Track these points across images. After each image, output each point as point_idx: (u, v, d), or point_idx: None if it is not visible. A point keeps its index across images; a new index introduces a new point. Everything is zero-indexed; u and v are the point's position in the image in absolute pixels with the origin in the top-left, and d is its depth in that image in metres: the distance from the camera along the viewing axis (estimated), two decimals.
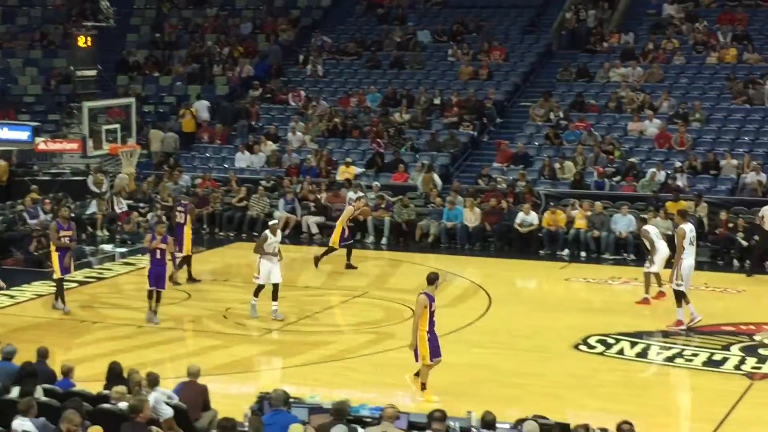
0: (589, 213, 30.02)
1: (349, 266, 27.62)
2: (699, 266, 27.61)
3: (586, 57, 39.49)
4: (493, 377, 18.62)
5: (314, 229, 32.26)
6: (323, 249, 28.05)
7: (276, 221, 23.80)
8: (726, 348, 20.23)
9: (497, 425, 13.49)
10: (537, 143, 35.37)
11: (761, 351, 20.02)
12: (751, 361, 19.42)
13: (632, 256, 29.14)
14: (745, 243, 28.25)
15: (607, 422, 13.54)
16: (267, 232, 22.45)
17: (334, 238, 27.70)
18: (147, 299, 22.23)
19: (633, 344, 20.57)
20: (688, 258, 21.60)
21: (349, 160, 35.11)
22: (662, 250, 24.24)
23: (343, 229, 27.60)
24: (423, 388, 17.18)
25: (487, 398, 16.53)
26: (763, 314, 22.88)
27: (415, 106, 37.93)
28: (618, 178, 32.44)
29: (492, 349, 20.47)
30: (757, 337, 20.96)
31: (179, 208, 26.42)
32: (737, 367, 19.15)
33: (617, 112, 35.95)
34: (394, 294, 24.82)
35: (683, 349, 20.11)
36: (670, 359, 19.69)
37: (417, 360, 17.24)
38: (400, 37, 42.37)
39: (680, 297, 21.41)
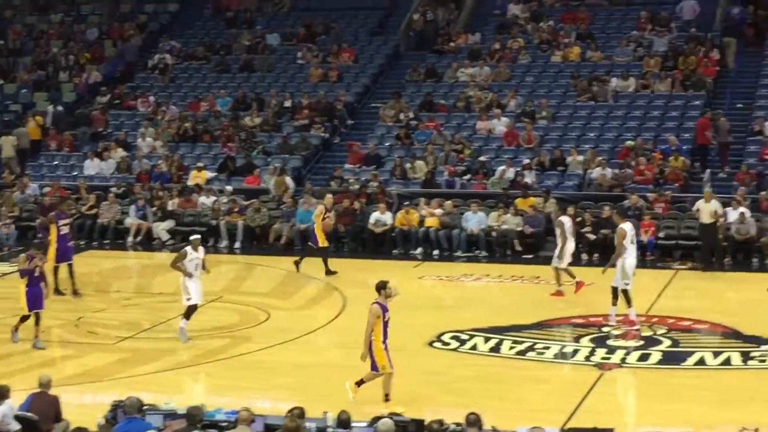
0: (438, 211, 30.31)
1: (329, 272, 27.17)
2: (549, 261, 28.24)
3: (434, 57, 39.89)
4: (348, 377, 18.62)
5: (165, 236, 31.95)
6: (316, 259, 27.41)
7: (198, 237, 21.46)
8: (576, 340, 20.62)
9: (353, 424, 13.56)
10: (388, 144, 35.63)
11: (610, 342, 20.45)
12: (600, 352, 19.82)
13: (484, 253, 29.57)
14: (593, 237, 28.83)
15: (462, 417, 13.68)
16: (187, 248, 21.04)
17: (321, 239, 27.22)
18: (21, 323, 21.22)
19: (486, 339, 20.81)
20: (631, 257, 21.53)
21: (200, 164, 34.91)
22: (571, 245, 24.51)
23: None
24: (387, 399, 16.82)
25: (343, 398, 16.56)
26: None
27: (266, 109, 37.86)
28: (468, 176, 32.87)
29: (347, 349, 20.37)
30: (605, 329, 21.40)
31: (64, 221, 25.41)
32: (587, 359, 19.54)
33: (466, 111, 36.41)
34: (249, 298, 24.73)
35: (535, 343, 20.41)
36: (523, 353, 19.98)
37: (376, 370, 16.89)
38: (248, 40, 42.23)
39: (628, 297, 21.39)
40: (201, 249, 21.04)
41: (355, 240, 30.89)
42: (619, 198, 30.52)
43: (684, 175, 31.60)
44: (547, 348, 20.14)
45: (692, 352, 19.67)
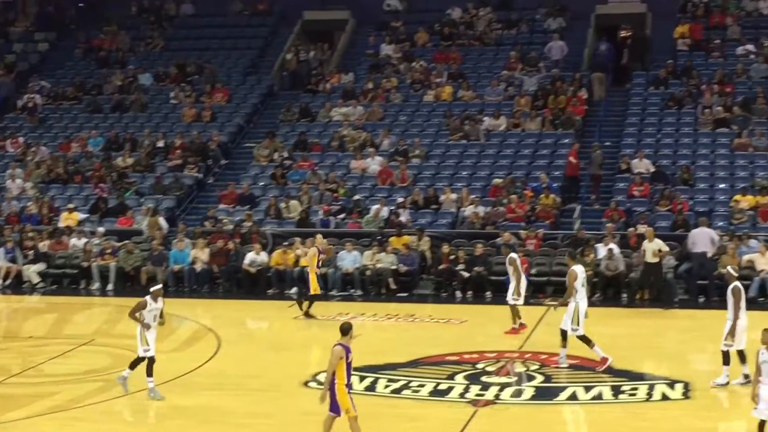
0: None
1: (308, 315, 26.75)
2: (424, 299, 28.45)
3: (308, 97, 40.05)
4: (222, 419, 18.47)
5: (35, 279, 31.40)
6: (306, 303, 26.88)
7: (159, 286, 20.51)
8: (451, 377, 20.69)
9: None
10: (262, 183, 35.59)
11: (484, 378, 20.60)
12: (474, 389, 19.94)
13: (359, 292, 29.64)
14: (466, 274, 29.10)
15: None
16: (147, 297, 19.92)
17: (314, 285, 26.58)
18: None
19: (362, 378, 20.76)
20: (583, 300, 21.26)
21: (71, 206, 34.41)
22: (524, 282, 24.50)
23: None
24: None
25: None
26: (484, 343, 23.61)
27: (139, 149, 37.54)
28: (343, 215, 32.94)
29: (221, 390, 20.29)
30: (479, 365, 21.56)
31: None
32: (462, 395, 19.63)
33: (340, 150, 36.58)
34: (122, 340, 24.33)
35: (410, 381, 20.43)
36: (398, 391, 20.00)
37: (337, 413, 16.45)
38: (121, 80, 41.89)
39: (586, 340, 21.17)
40: (161, 299, 20.10)
41: (230, 280, 30.71)
42: (492, 236, 30.89)
43: (554, 213, 32.13)
44: (422, 386, 20.20)
45: (564, 387, 19.89)
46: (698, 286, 28.41)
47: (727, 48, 39.53)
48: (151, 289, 20.20)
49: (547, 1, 42.92)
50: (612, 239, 29.23)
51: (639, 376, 20.47)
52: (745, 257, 28.56)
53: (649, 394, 19.54)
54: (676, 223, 30.69)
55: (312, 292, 26.64)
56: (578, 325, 20.91)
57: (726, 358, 19.87)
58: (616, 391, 19.67)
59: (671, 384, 19.86)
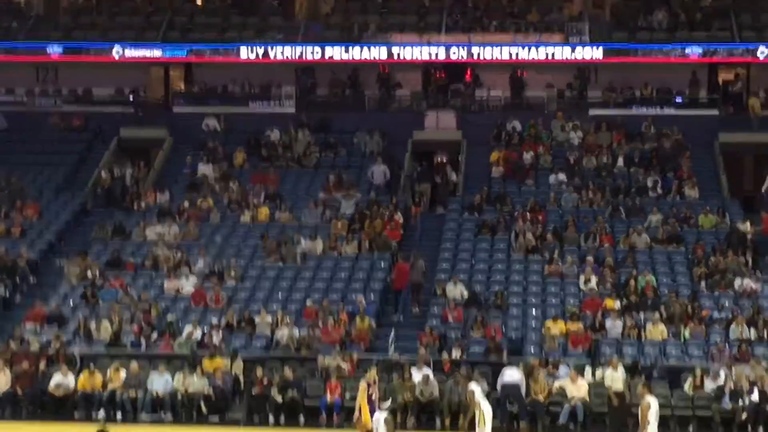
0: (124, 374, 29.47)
1: None
2: (236, 423, 27.94)
3: (122, 215, 39.36)
4: None
5: None
6: None
7: None
8: None
9: None
10: (72, 302, 34.56)
11: None
12: None
13: (170, 416, 28.88)
14: (280, 399, 28.65)
15: None
16: None
17: (366, 419, 23.96)
18: None
19: None
20: None
21: None
22: (488, 410, 23.59)
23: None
24: None
25: None
26: None
27: None
28: (155, 336, 32.20)
29: None
30: None
31: None
32: None
33: (154, 269, 35.89)
34: None
35: None
36: None
37: None
38: None
39: None
40: None
41: (34, 403, 29.53)
42: (307, 359, 30.59)
43: (369, 336, 32.04)
44: None
45: None
46: (510, 414, 28.51)
47: (540, 176, 40.56)
48: None
49: (365, 124, 43.43)
50: (426, 364, 29.20)
51: None
52: (556, 384, 28.90)
53: None
54: (489, 348, 30.91)
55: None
56: None
57: None
58: None
59: None
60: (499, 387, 28.58)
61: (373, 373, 24.88)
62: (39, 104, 46.26)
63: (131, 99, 46.29)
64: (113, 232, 38.24)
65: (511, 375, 28.54)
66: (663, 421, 27.99)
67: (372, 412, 24.08)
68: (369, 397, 24.43)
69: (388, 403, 20.95)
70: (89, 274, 35.51)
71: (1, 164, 42.44)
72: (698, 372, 29.33)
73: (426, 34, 44.49)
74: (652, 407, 20.36)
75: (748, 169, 44.03)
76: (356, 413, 24.45)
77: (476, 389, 23.96)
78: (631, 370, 29.14)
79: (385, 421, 20.18)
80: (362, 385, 24.77)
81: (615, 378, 27.69)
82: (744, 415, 28.07)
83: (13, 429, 27.95)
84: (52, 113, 45.27)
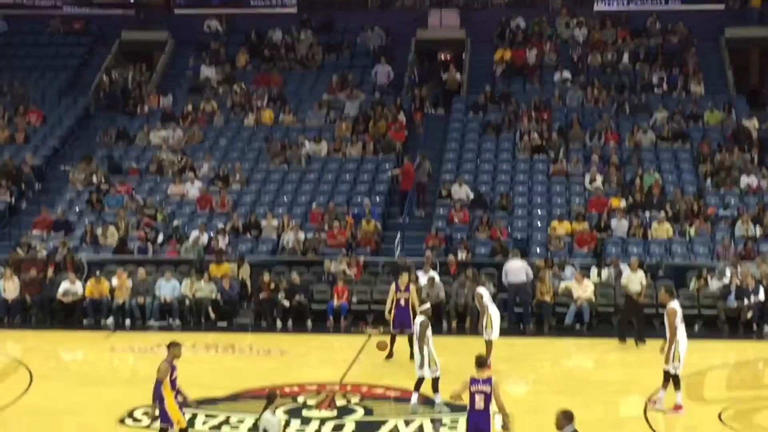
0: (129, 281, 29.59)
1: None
2: (244, 328, 28.10)
3: (125, 119, 39.22)
4: None
5: None
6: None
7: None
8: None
9: None
10: (78, 209, 34.60)
11: (305, 413, 20.34)
12: (295, 424, 19.68)
13: (178, 322, 29.08)
14: (287, 303, 28.79)
15: None
16: None
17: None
18: None
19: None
20: (683, 339, 20.30)
21: None
22: (495, 315, 23.73)
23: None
24: None
25: None
26: (305, 375, 23.35)
27: None
28: (161, 241, 32.27)
29: (33, 430, 19.58)
30: (300, 399, 21.29)
31: None
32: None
33: (158, 174, 35.85)
34: None
35: (229, 416, 20.01)
36: (217, 427, 19.60)
37: (171, 425, 16.85)
38: None
39: (678, 380, 20.46)
40: None
41: (43, 310, 29.70)
42: (313, 263, 30.70)
43: (375, 239, 32.09)
44: (241, 421, 19.82)
45: (385, 421, 19.78)
46: (516, 314, 28.62)
47: (545, 74, 40.29)
48: None
49: (368, 24, 43.06)
50: (432, 267, 29.28)
51: (460, 408, 20.42)
52: (562, 285, 28.97)
53: None
54: (494, 249, 30.98)
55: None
56: (679, 362, 20.18)
57: (676, 380, 20.13)
58: (437, 423, 19.64)
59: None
60: (506, 284, 28.60)
61: (404, 278, 24.89)
62: (39, 6, 45.85)
63: (132, 1, 45.86)
64: (117, 137, 38.14)
65: (517, 273, 28.55)
66: None
67: (400, 317, 24.42)
68: (397, 301, 24.58)
69: (427, 305, 21.02)
70: (94, 179, 35.52)
71: (2, 69, 42.22)
72: (704, 271, 29.40)
73: None
74: (678, 313, 20.35)
75: (754, 63, 43.75)
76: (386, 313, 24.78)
77: (484, 293, 24.14)
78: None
79: (421, 324, 20.28)
80: (412, 288, 24.91)
81: (632, 279, 27.29)
82: (749, 314, 28.17)
83: (23, 337, 28.14)
84: (53, 17, 44.88)
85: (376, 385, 22.32)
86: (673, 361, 20.08)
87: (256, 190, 35.12)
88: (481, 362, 16.22)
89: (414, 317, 22.83)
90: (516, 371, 24.10)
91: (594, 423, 19.78)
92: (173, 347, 17.36)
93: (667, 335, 20.18)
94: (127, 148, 37.72)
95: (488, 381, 15.81)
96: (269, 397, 15.60)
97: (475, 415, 15.91)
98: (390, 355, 24.35)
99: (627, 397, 22.11)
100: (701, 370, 23.16)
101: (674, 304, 20.55)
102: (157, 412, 17.05)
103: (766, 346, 27.25)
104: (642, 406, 20.83)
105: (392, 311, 24.62)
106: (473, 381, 15.96)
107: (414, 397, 20.34)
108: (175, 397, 17.10)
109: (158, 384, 16.98)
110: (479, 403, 15.82)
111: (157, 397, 16.97)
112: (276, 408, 15.48)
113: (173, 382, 17.09)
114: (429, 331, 20.32)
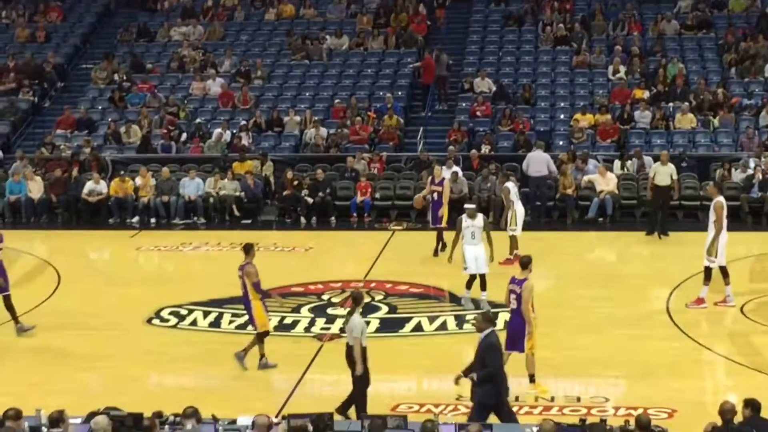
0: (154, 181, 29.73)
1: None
2: (268, 225, 28.25)
3: (146, 16, 39.06)
4: (62, 361, 18.10)
5: None
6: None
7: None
8: (296, 310, 20.56)
9: (69, 419, 13.04)
10: (101, 107, 34.67)
11: (330, 311, 20.55)
12: (320, 322, 19.91)
13: (202, 220, 29.27)
14: (310, 200, 28.89)
15: (187, 399, 13.31)
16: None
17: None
18: None
19: (206, 314, 20.57)
20: (724, 234, 20.32)
21: None
22: (520, 210, 23.95)
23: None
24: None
25: (59, 389, 16.08)
26: (330, 272, 23.56)
27: None
28: (184, 139, 32.32)
29: (62, 330, 19.84)
30: (325, 297, 21.51)
31: None
32: (307, 330, 19.58)
33: (180, 72, 35.78)
34: None
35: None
36: (243, 326, 19.70)
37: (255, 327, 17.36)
38: None
39: (709, 274, 20.45)
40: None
41: (69, 210, 29.91)
42: (336, 159, 30.74)
43: (398, 134, 32.06)
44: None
45: (410, 318, 19.99)
46: (537, 207, 28.63)
47: None
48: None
49: None
50: (455, 162, 29.25)
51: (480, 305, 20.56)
52: (585, 178, 28.90)
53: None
54: (517, 143, 30.93)
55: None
56: (715, 257, 20.18)
57: (707, 275, 20.20)
58: (461, 321, 19.85)
59: None
60: (527, 175, 28.52)
61: (438, 171, 24.96)
62: None
63: None
64: (138, 34, 37.99)
65: (538, 167, 28.51)
66: (691, 212, 28.36)
67: (434, 211, 24.57)
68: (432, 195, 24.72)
69: (473, 205, 21.15)
70: (116, 77, 35.48)
71: None
72: (727, 162, 29.29)
73: None
74: (725, 207, 20.35)
75: None
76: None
77: (512, 188, 24.18)
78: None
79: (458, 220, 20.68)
80: (446, 183, 24.81)
81: (660, 171, 26.74)
82: None
83: (49, 237, 28.40)
84: None
85: (399, 282, 22.49)
86: (711, 255, 20.11)
87: (278, 86, 35.04)
88: (524, 262, 16.27)
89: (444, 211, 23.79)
90: (539, 265, 23.85)
91: (618, 317, 20.03)
92: (251, 249, 17.58)
93: (712, 230, 20.14)
94: (148, 45, 37.59)
95: (521, 282, 15.91)
96: (356, 299, 15.53)
97: (512, 314, 16.13)
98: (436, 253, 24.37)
99: (651, 290, 22.23)
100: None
101: (722, 199, 20.55)
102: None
103: None
104: (665, 300, 20.98)
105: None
106: (512, 280, 16.14)
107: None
108: (262, 300, 17.41)
109: (256, 286, 17.31)
110: (513, 302, 15.99)
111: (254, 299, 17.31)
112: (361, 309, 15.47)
113: (257, 285, 17.28)
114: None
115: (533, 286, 15.98)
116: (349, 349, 14.89)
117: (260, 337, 17.46)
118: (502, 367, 14.16)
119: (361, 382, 14.79)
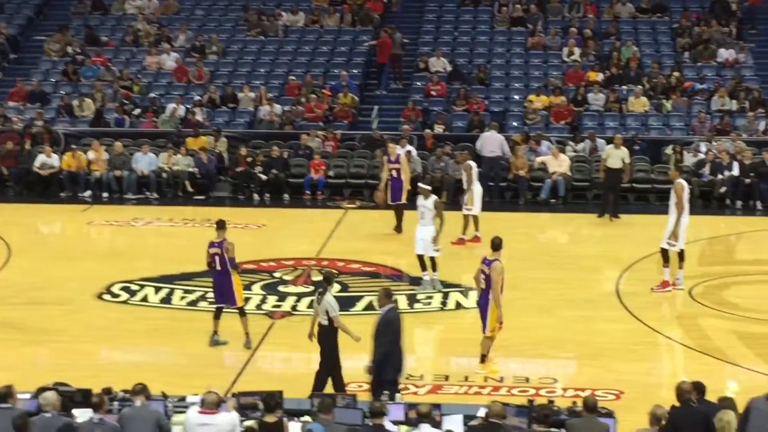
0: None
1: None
2: (221, 202, 28.19)
3: None
4: (11, 336, 18.01)
5: None
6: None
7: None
8: (248, 287, 20.41)
9: (18, 395, 12.94)
10: (54, 80, 34.39)
11: (281, 288, 20.57)
12: (271, 300, 19.93)
13: (155, 195, 29.18)
14: (264, 177, 28.86)
15: (137, 376, 13.25)
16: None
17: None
18: None
19: (157, 290, 20.52)
20: (686, 216, 20.46)
21: None
22: (479, 191, 23.96)
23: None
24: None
25: (8, 363, 16.03)
26: (282, 250, 23.57)
27: None
28: (138, 113, 32.15)
29: (11, 305, 19.73)
30: (277, 274, 21.52)
31: None
32: (259, 307, 19.57)
33: (134, 45, 35.55)
34: None
35: (206, 292, 19.96)
36: (194, 303, 19.80)
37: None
38: None
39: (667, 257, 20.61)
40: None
41: (20, 183, 29.71)
42: (290, 136, 30.69)
43: (353, 113, 32.06)
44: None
45: (361, 297, 20.03)
46: (489, 188, 28.65)
47: None
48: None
49: None
50: (408, 141, 29.24)
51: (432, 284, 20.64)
52: (538, 159, 29.08)
53: (444, 303, 19.89)
54: (472, 123, 31.01)
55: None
56: (676, 240, 20.28)
57: (665, 257, 20.34)
58: (412, 300, 19.94)
59: (465, 292, 20.18)
60: (480, 154, 28.57)
61: (393, 149, 25.14)
62: None
63: None
64: (92, 7, 37.65)
65: (492, 147, 28.64)
66: (642, 195, 28.60)
67: (393, 189, 24.66)
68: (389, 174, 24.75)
69: (428, 187, 21.13)
70: (69, 50, 35.17)
71: None
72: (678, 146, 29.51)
73: None
74: (685, 189, 20.49)
75: None
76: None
77: (474, 167, 24.28)
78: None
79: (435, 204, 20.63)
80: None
81: (613, 155, 26.83)
82: (723, 189, 28.41)
83: (1, 209, 28.14)
84: None
85: (352, 260, 22.54)
86: (670, 237, 20.26)
87: (232, 61, 34.91)
88: (495, 244, 16.32)
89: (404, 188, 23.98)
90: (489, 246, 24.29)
91: (569, 299, 20.19)
92: (225, 225, 17.54)
93: (674, 212, 20.27)
94: (102, 18, 37.28)
95: (491, 263, 15.99)
96: (327, 278, 15.56)
97: (481, 293, 16.22)
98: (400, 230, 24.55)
99: (601, 272, 22.42)
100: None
101: (682, 180, 20.72)
102: None
103: (738, 221, 27.54)
104: (615, 282, 21.19)
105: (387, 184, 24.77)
106: (483, 260, 16.23)
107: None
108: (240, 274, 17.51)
109: (232, 261, 17.19)
110: (483, 282, 16.11)
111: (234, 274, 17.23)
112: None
113: (232, 260, 17.23)
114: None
115: (503, 267, 16.04)
116: (323, 329, 14.84)
117: (242, 312, 17.43)
118: (397, 342, 14.27)
119: (330, 360, 14.77)
